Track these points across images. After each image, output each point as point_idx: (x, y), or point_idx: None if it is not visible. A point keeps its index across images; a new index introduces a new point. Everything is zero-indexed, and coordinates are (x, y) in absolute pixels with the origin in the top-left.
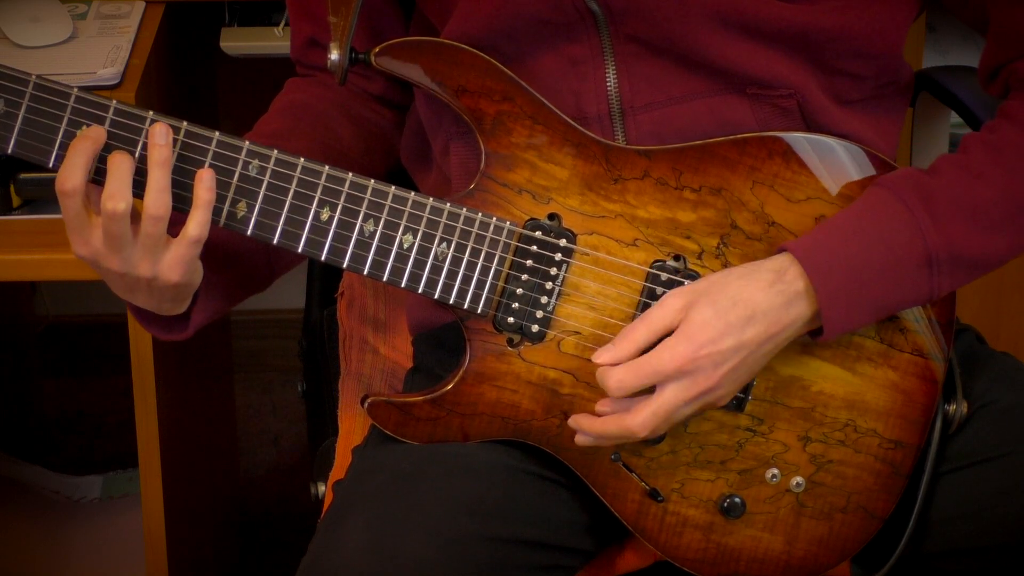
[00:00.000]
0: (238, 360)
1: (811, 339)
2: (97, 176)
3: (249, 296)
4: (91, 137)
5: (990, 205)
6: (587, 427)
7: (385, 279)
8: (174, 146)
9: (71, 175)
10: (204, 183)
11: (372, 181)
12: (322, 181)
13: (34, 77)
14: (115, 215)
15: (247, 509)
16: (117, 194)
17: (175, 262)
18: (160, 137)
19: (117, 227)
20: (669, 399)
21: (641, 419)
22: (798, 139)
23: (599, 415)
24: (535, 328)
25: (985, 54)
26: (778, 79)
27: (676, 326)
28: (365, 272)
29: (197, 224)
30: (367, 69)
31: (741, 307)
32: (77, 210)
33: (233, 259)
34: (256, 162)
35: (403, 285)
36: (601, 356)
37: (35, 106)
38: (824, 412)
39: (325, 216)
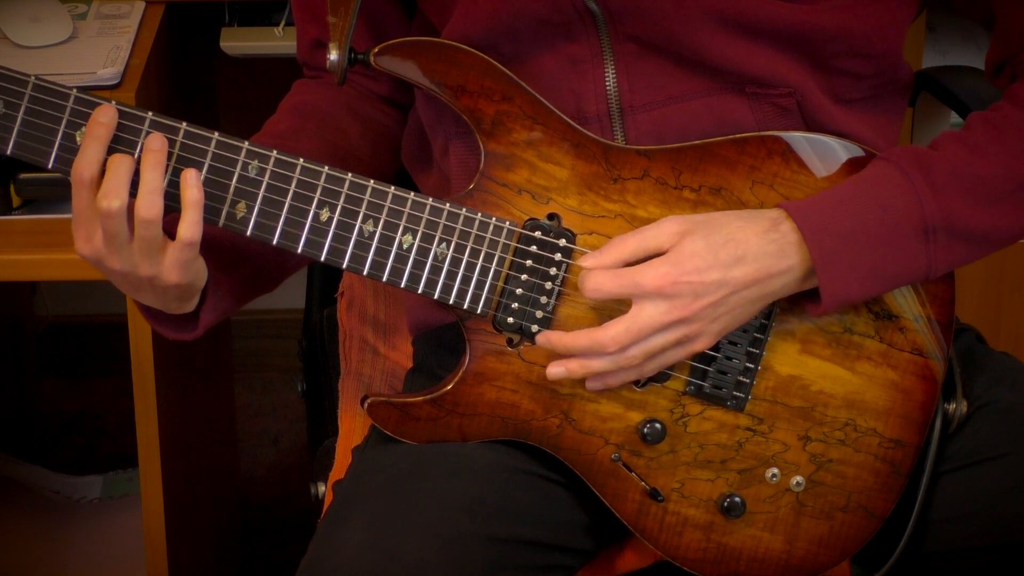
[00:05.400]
0: (238, 360)
1: (810, 310)
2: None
3: (258, 295)
4: (104, 123)
5: (989, 180)
6: (556, 341)
7: (385, 279)
8: (172, 147)
9: (89, 164)
10: (190, 182)
11: (371, 181)
12: (321, 182)
13: (33, 78)
14: (110, 212)
15: (247, 509)
16: (112, 192)
17: (172, 264)
18: (155, 143)
19: (113, 225)
20: (643, 318)
21: (613, 332)
22: (797, 139)
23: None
24: (535, 328)
25: (991, 49)
26: (777, 78)
27: (666, 249)
28: (365, 272)
29: (189, 226)
30: (372, 69)
31: (732, 246)
32: (89, 202)
33: (242, 259)
34: (255, 163)
35: (403, 285)
36: (586, 260)
37: (34, 107)
38: (824, 411)
39: (324, 216)
